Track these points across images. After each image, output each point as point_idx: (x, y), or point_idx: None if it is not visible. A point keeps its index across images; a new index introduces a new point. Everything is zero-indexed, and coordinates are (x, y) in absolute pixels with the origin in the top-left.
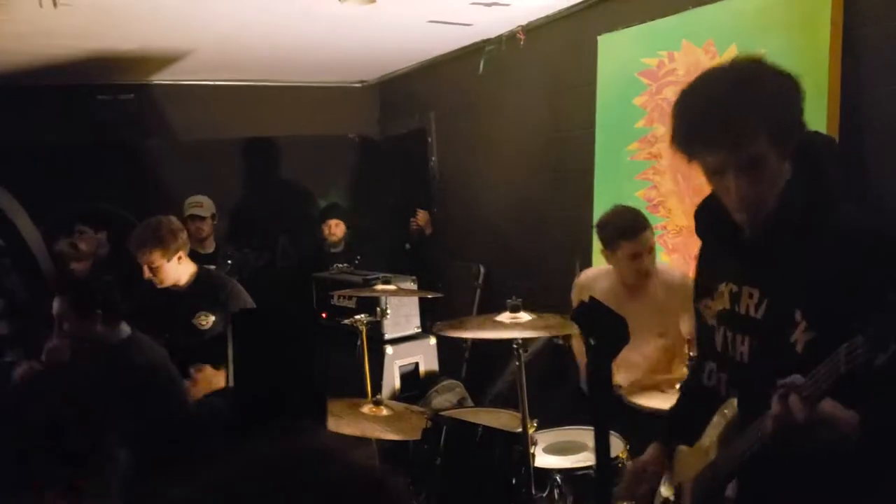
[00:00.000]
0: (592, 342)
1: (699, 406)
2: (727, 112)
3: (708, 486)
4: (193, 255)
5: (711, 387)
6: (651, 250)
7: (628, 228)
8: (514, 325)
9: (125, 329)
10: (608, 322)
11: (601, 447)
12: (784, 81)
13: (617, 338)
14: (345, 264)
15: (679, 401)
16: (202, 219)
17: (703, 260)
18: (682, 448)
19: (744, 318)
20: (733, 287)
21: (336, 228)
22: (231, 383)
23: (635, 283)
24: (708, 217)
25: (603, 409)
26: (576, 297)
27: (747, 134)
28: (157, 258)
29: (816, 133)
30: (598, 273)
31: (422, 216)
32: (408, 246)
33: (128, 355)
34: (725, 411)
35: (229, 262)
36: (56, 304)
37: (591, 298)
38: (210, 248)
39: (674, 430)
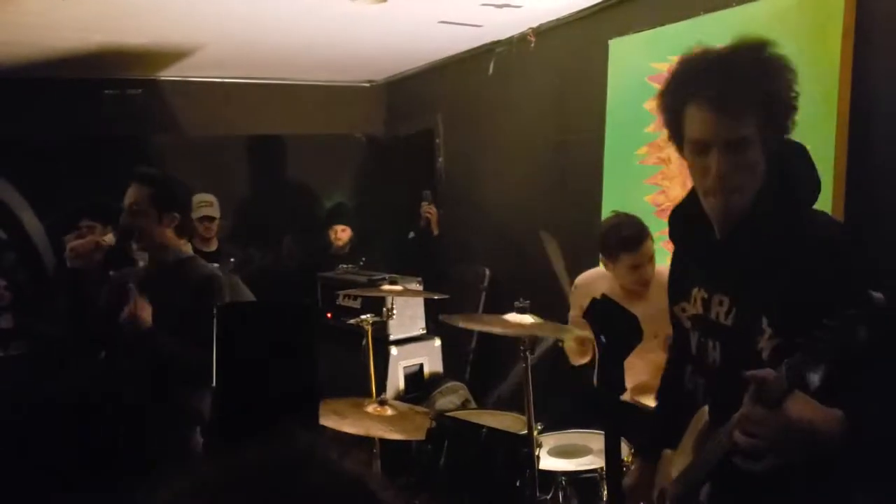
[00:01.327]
0: (604, 340)
1: (680, 409)
2: (723, 80)
3: (684, 491)
4: (195, 253)
5: (690, 390)
6: (651, 259)
7: (629, 240)
8: (522, 325)
9: (189, 248)
10: (620, 320)
11: (612, 447)
12: (786, 75)
13: (629, 336)
14: (350, 265)
15: (658, 406)
16: (212, 219)
17: (676, 264)
18: (666, 452)
19: (714, 325)
20: (704, 293)
21: (342, 234)
22: (213, 383)
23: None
24: (683, 220)
25: (614, 408)
26: (574, 299)
27: (739, 109)
28: None
29: (791, 141)
30: (596, 275)
31: (433, 211)
32: (412, 234)
33: (188, 271)
34: (699, 417)
35: (232, 259)
36: (131, 192)
37: (604, 296)
38: (213, 246)
39: (656, 437)
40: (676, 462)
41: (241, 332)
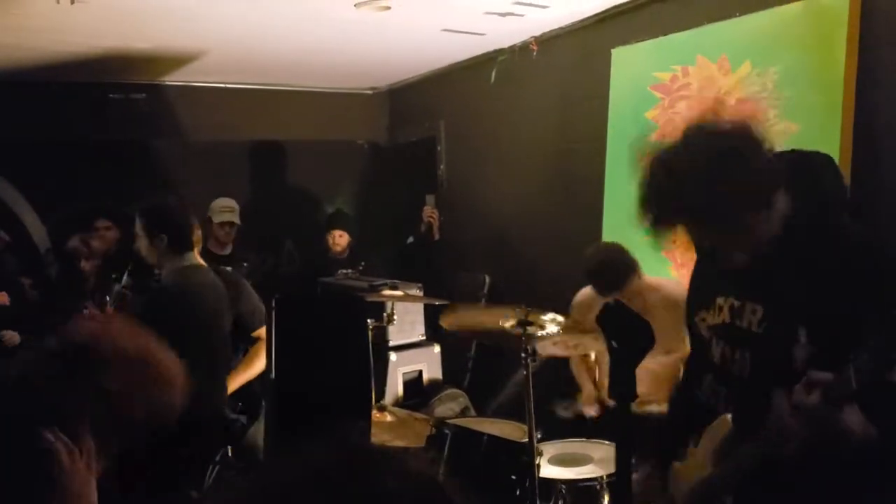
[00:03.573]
0: (616, 346)
1: (693, 419)
2: (700, 208)
3: (704, 500)
4: (210, 256)
5: (707, 400)
6: (640, 293)
7: (613, 283)
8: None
9: (190, 258)
10: (633, 326)
11: (623, 454)
12: (743, 143)
13: (641, 342)
14: (349, 270)
15: (670, 415)
16: (232, 224)
17: (700, 274)
18: (676, 464)
19: (745, 333)
20: (734, 302)
21: (340, 239)
22: (273, 375)
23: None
24: None
25: (626, 415)
26: (573, 317)
27: (723, 218)
28: None
29: (814, 153)
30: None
31: (435, 215)
32: (411, 239)
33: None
34: (719, 426)
35: (245, 264)
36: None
37: (617, 301)
38: (227, 250)
39: (666, 447)
40: (689, 472)
41: (299, 325)
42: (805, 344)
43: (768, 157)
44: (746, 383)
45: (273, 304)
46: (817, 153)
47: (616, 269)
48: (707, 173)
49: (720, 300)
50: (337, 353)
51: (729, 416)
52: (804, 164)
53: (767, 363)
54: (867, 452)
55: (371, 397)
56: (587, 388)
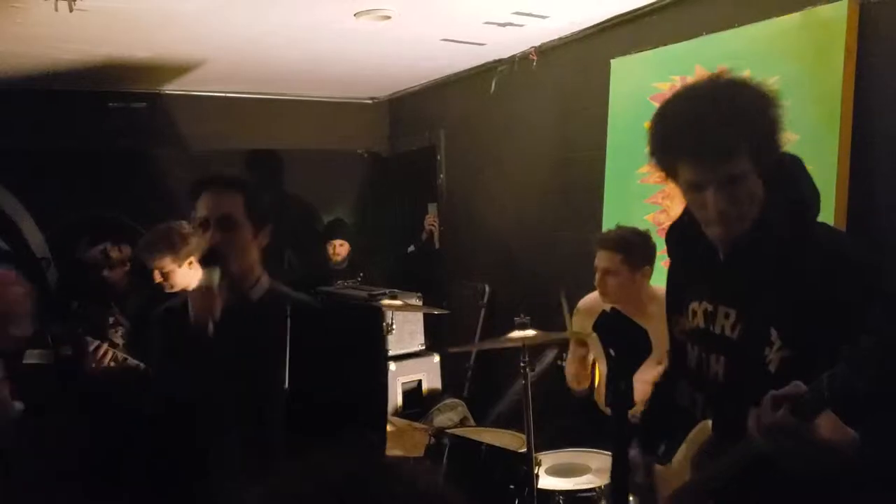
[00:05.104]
0: (613, 353)
1: (669, 423)
2: (708, 127)
3: None
4: None
5: (684, 405)
6: (609, 273)
7: (599, 240)
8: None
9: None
10: (629, 333)
11: (619, 461)
12: (765, 101)
13: (638, 349)
14: (348, 280)
15: (645, 415)
16: None
17: (674, 277)
18: (658, 467)
19: (719, 338)
20: (708, 306)
21: (340, 248)
22: (286, 386)
23: (625, 307)
24: (681, 237)
25: (621, 422)
26: (576, 323)
27: (728, 151)
28: (168, 263)
29: (785, 155)
30: (598, 299)
31: (437, 224)
32: (412, 248)
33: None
34: (698, 432)
35: None
36: (215, 201)
37: (613, 309)
38: None
39: (641, 446)
40: (669, 477)
41: (314, 334)
42: (779, 347)
43: (777, 116)
44: (723, 388)
45: (287, 313)
46: (785, 153)
47: (617, 233)
48: (715, 110)
49: (694, 305)
50: (352, 362)
51: (709, 421)
52: (779, 162)
53: (743, 367)
54: (847, 455)
55: (386, 409)
56: (573, 367)
